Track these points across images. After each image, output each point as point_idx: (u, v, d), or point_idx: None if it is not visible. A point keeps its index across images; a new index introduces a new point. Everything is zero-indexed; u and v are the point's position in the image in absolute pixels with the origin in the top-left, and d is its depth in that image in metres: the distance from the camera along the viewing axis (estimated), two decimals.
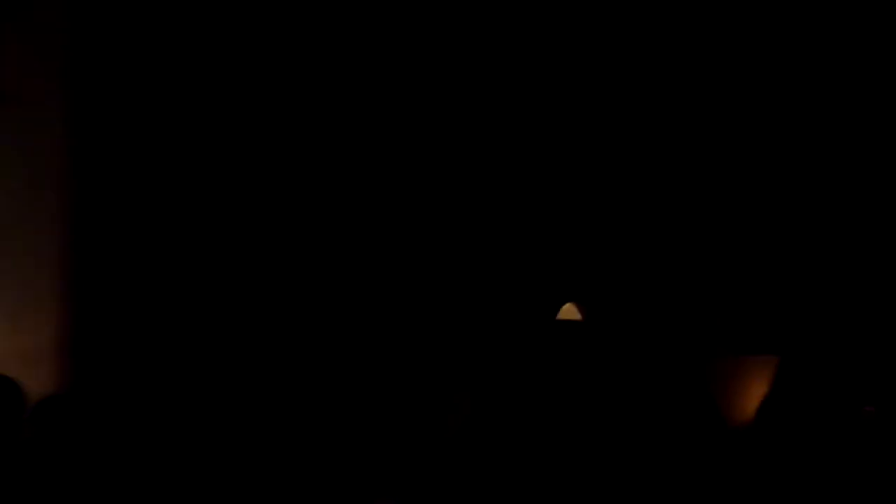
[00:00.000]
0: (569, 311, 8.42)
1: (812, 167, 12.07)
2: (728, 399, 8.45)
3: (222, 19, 9.59)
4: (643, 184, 11.12)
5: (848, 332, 11.00)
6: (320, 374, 9.10)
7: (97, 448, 6.54)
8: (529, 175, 10.65)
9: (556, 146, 10.81)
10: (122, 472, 6.38)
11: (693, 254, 11.02)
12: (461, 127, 10.53)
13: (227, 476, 7.74)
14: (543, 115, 10.92)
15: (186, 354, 8.93)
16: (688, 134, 11.55)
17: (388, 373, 8.54)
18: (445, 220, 10.17)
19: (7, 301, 8.62)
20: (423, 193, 10.23)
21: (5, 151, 8.67)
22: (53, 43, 8.77)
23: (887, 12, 12.20)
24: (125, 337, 8.80)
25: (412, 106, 10.37)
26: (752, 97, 12.04)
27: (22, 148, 8.67)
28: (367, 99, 10.22)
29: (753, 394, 9.36)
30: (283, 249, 9.52)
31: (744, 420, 9.09)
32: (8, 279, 8.65)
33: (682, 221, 11.13)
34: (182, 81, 9.29)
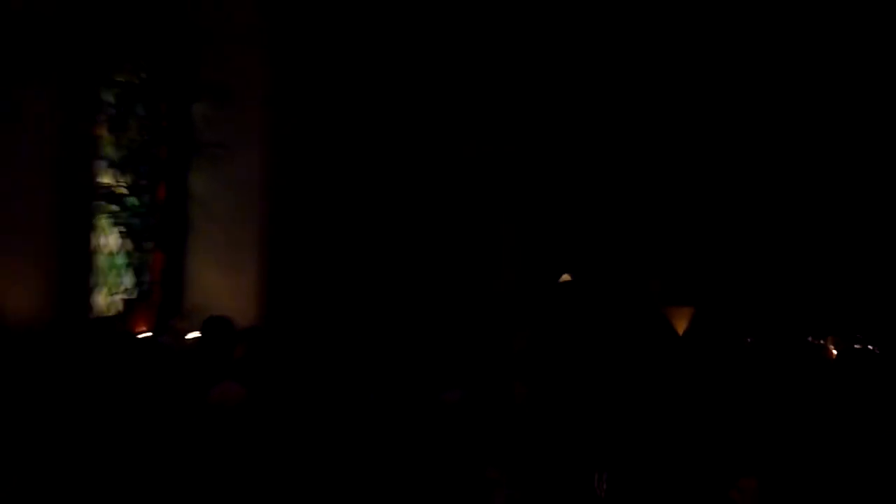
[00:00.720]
0: (565, 278, 8.73)
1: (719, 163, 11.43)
2: None
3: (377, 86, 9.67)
4: (622, 192, 11.04)
5: (738, 293, 11.09)
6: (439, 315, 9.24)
7: (282, 361, 6.40)
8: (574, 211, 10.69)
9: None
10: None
11: (642, 239, 11.00)
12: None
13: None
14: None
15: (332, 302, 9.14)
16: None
17: (483, 314, 8.87)
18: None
19: (230, 261, 9.07)
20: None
21: (227, 181, 9.06)
22: (254, 112, 9.07)
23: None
24: (294, 284, 9.15)
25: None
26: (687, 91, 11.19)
27: (236, 179, 9.08)
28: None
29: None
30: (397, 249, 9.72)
31: None
32: (229, 249, 9.10)
33: (640, 218, 10.93)
34: (331, 139, 9.45)
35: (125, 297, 8.76)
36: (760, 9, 10.91)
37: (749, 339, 8.55)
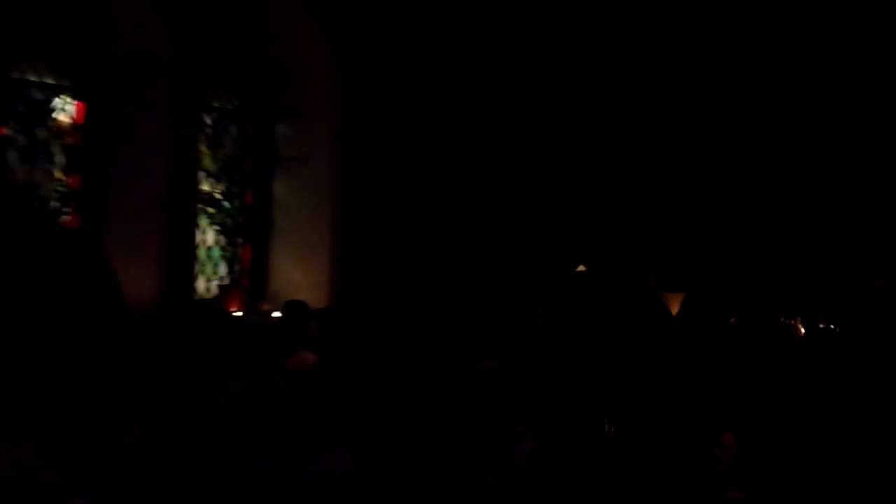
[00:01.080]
0: (581, 268, 8.62)
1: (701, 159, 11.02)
2: None
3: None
4: (628, 201, 10.78)
5: (723, 281, 10.94)
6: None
7: (347, 336, 6.47)
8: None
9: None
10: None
11: (643, 238, 10.91)
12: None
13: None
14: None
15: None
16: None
17: (513, 298, 8.39)
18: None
19: (305, 253, 8.99)
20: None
21: (303, 188, 9.01)
22: (325, 130, 9.00)
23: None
24: (358, 273, 8.95)
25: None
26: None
27: (311, 187, 9.03)
28: None
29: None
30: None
31: None
32: (305, 244, 8.98)
33: (641, 221, 10.93)
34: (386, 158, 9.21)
35: (221, 283, 8.81)
36: (751, 11, 10.51)
37: (732, 319, 8.57)
